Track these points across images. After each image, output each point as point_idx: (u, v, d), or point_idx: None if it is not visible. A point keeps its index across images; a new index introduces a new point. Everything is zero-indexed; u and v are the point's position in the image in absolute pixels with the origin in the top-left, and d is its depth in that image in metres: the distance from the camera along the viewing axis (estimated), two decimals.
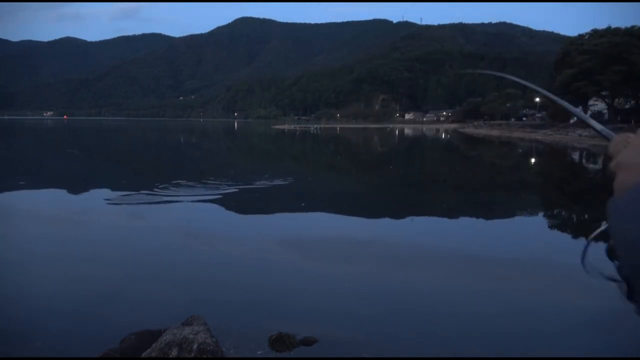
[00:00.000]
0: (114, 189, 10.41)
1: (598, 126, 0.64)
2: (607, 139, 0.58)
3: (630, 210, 0.39)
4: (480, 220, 8.65)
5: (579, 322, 4.02)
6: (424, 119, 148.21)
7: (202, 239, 6.70)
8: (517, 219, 8.78)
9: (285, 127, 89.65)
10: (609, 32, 48.13)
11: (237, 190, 10.55)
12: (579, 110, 0.66)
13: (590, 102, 54.22)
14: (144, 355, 2.92)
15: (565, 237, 7.50)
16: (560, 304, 4.41)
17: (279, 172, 13.95)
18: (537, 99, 69.78)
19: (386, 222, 8.45)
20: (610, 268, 0.40)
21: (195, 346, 2.81)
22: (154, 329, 3.28)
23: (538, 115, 78.34)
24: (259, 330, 3.57)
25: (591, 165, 21.23)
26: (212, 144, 38.21)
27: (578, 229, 8.24)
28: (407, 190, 12.60)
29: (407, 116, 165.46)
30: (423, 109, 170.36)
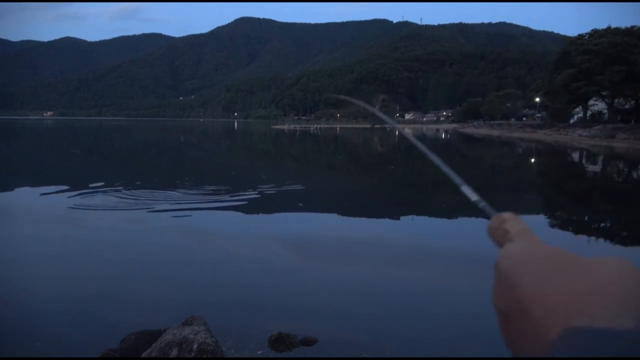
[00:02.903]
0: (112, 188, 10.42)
1: (473, 197, 0.51)
2: (487, 216, 0.45)
3: None
4: (481, 219, 8.64)
5: None
6: (424, 119, 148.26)
7: (202, 239, 6.70)
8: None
9: (285, 127, 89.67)
10: (609, 32, 48.11)
11: (234, 194, 10.54)
12: (439, 162, 0.62)
13: (590, 102, 54.21)
14: (144, 355, 2.92)
15: (566, 237, 7.49)
16: None
17: (278, 172, 13.94)
18: (537, 99, 69.80)
19: (386, 221, 8.45)
20: None
21: (195, 346, 2.81)
22: (154, 329, 3.28)
23: (538, 115, 78.40)
24: (259, 330, 3.57)
25: (591, 166, 21.23)
26: (211, 146, 38.19)
27: (579, 229, 8.24)
28: (406, 190, 12.60)
29: (407, 116, 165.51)
30: (423, 109, 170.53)
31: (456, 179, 0.55)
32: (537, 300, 0.28)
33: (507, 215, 0.41)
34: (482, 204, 0.48)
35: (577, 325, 0.25)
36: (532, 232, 0.38)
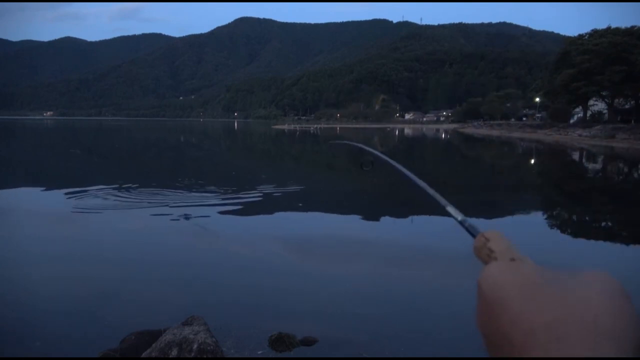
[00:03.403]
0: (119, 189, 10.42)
1: (459, 217, 0.52)
2: (472, 235, 0.45)
3: None
4: (481, 219, 8.66)
5: None
6: (424, 119, 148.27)
7: (202, 238, 6.70)
8: (518, 218, 8.78)
9: (285, 127, 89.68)
10: (609, 32, 48.11)
11: (238, 194, 10.54)
12: (426, 185, 0.58)
13: (591, 102, 54.21)
14: (144, 355, 2.92)
15: (566, 237, 7.50)
16: None
17: (278, 172, 13.96)
18: (537, 99, 69.82)
19: (386, 221, 8.45)
20: None
21: (195, 346, 2.81)
22: (154, 329, 3.28)
23: (538, 115, 78.41)
24: (259, 330, 3.57)
25: (591, 166, 21.23)
26: (211, 146, 38.19)
27: (578, 229, 8.24)
28: (406, 190, 12.59)
29: (407, 116, 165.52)
30: (423, 109, 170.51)
31: (441, 200, 0.53)
32: (517, 325, 0.28)
33: (490, 233, 0.41)
34: (468, 223, 0.49)
35: (556, 356, 0.24)
36: (515, 250, 0.38)
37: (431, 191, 0.57)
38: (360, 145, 0.81)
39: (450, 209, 0.53)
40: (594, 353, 0.24)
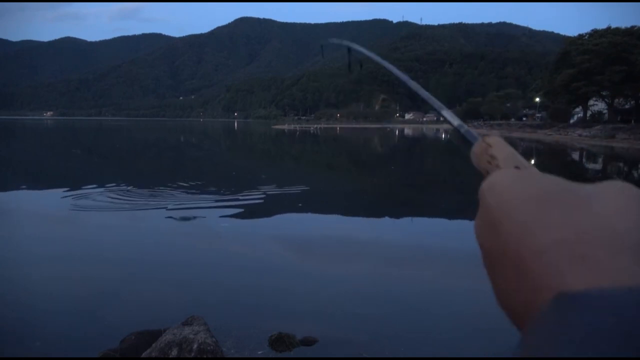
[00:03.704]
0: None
1: (456, 122, 0.46)
2: (470, 141, 0.40)
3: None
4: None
5: None
6: (424, 119, 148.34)
7: (202, 239, 6.70)
8: None
9: (285, 127, 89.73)
10: (609, 32, 48.14)
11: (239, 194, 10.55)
12: (428, 94, 0.53)
13: (590, 102, 54.24)
14: (144, 355, 2.93)
15: None
16: None
17: (278, 172, 13.96)
18: (537, 99, 69.84)
19: (386, 221, 8.45)
20: None
21: (195, 346, 2.82)
22: (154, 329, 3.28)
23: (538, 115, 78.46)
24: (259, 330, 3.57)
25: (591, 165, 21.23)
26: (211, 146, 38.20)
27: None
28: (407, 190, 12.61)
29: (407, 116, 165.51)
30: (423, 109, 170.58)
31: (435, 103, 0.50)
32: (526, 243, 0.23)
33: (492, 139, 0.36)
34: (464, 129, 0.44)
35: (573, 282, 0.20)
36: (520, 157, 0.33)
37: (425, 94, 0.53)
38: (349, 43, 0.78)
39: (446, 112, 0.47)
40: (618, 274, 0.19)
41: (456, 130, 0.44)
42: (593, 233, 0.21)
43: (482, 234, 0.26)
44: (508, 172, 0.28)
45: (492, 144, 0.35)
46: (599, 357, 0.15)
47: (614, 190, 0.24)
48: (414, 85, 0.57)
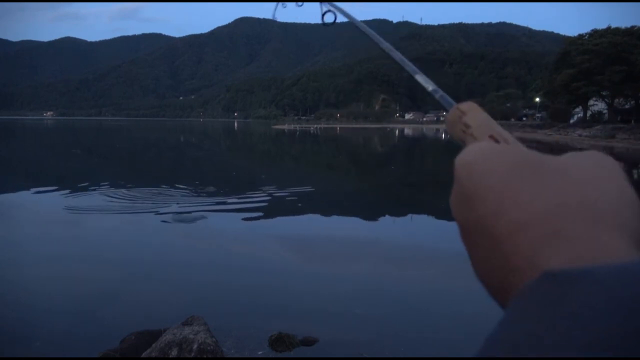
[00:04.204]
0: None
1: (430, 86, 0.44)
2: (444, 108, 0.38)
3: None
4: None
5: None
6: (424, 119, 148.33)
7: (202, 239, 6.70)
8: None
9: (285, 127, 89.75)
10: (609, 32, 48.14)
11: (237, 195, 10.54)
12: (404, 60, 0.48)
13: (590, 102, 54.24)
14: (144, 355, 2.93)
15: None
16: None
17: (278, 172, 13.94)
18: (537, 99, 69.86)
19: (386, 221, 8.45)
20: None
21: (195, 346, 2.82)
22: (154, 329, 3.28)
23: (538, 115, 78.50)
24: (259, 330, 3.57)
25: None
26: (211, 146, 38.19)
27: None
28: (407, 190, 12.61)
29: (407, 116, 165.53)
30: (423, 109, 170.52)
31: (409, 66, 0.46)
32: (503, 218, 0.22)
33: (465, 105, 0.33)
34: (439, 94, 0.41)
35: (554, 259, 0.19)
36: (496, 125, 0.31)
37: (397, 56, 0.49)
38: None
39: (420, 77, 0.45)
40: (599, 249, 0.18)
41: (430, 95, 0.42)
42: (571, 206, 0.20)
43: (457, 209, 0.25)
44: (482, 145, 0.27)
45: (466, 111, 0.32)
46: (585, 335, 0.14)
47: (590, 161, 0.23)
48: (386, 46, 0.54)
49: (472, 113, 0.32)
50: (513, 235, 0.21)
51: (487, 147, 0.25)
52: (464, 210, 0.24)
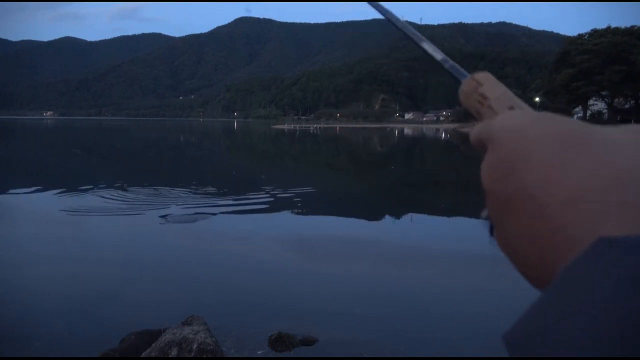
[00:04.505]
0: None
1: (439, 56, 0.38)
2: (457, 78, 0.35)
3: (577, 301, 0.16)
4: (481, 220, 8.64)
5: None
6: (424, 119, 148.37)
7: (202, 239, 6.70)
8: None
9: (285, 127, 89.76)
10: (609, 32, 48.18)
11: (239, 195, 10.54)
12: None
13: (591, 102, 54.28)
14: (144, 355, 2.93)
15: None
16: None
17: (277, 172, 13.95)
18: (537, 99, 69.85)
19: (386, 221, 8.45)
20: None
21: (195, 346, 2.82)
22: (154, 329, 3.28)
23: None
24: (259, 330, 3.57)
25: None
26: (211, 146, 38.19)
27: None
28: (407, 190, 12.61)
29: (407, 116, 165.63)
30: (423, 109, 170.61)
31: (414, 34, 0.42)
32: (550, 191, 0.20)
33: (482, 75, 0.32)
34: (449, 64, 0.37)
35: (613, 230, 0.18)
36: (515, 97, 0.29)
37: (401, 23, 0.45)
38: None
39: (427, 45, 0.40)
40: None
41: (440, 65, 0.38)
42: (627, 177, 0.19)
43: (493, 177, 0.23)
44: (525, 113, 0.25)
45: (483, 82, 0.31)
46: None
47: (638, 134, 0.22)
48: (392, 15, 0.47)
49: (490, 84, 0.30)
50: (567, 207, 0.19)
51: (532, 115, 0.24)
52: (503, 179, 0.23)
